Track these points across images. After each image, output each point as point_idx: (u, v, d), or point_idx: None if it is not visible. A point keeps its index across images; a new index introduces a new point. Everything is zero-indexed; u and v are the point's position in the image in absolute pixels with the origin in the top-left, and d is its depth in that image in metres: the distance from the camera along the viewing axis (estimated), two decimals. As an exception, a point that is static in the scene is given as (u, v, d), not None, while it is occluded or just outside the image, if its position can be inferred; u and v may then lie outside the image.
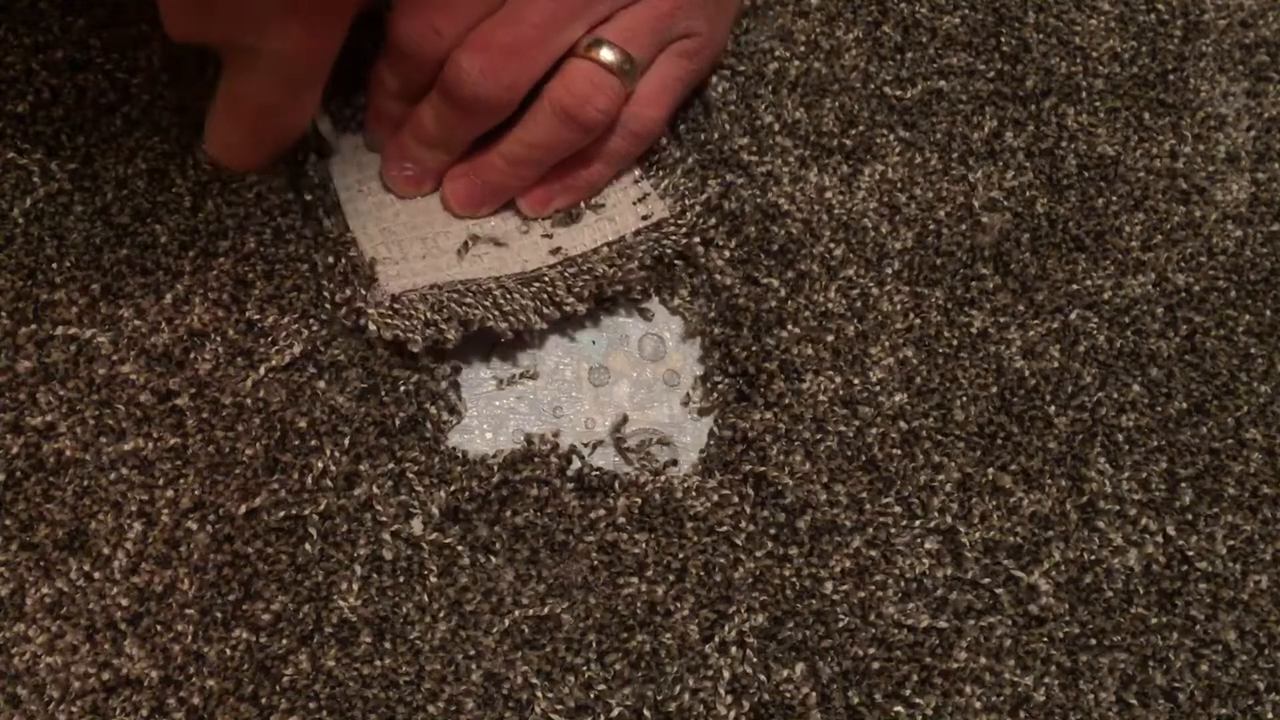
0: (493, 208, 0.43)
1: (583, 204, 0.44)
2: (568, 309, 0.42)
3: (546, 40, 0.39)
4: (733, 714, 0.39)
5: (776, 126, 0.46)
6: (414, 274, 0.42)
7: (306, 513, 0.39)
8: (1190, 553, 0.42)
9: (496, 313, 0.41)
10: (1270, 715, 0.41)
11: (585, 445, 0.42)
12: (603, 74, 0.40)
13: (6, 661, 0.37)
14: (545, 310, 0.42)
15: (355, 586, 0.39)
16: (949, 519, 0.41)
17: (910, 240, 0.45)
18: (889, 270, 0.44)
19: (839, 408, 0.42)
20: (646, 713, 0.38)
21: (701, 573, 0.40)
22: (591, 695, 0.38)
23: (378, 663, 0.38)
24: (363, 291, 0.41)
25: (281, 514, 0.39)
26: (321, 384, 0.41)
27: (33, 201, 0.41)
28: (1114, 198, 0.47)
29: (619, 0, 0.40)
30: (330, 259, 0.41)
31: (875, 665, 0.40)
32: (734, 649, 0.39)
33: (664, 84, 0.42)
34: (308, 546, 0.39)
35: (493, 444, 0.42)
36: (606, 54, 0.40)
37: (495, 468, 0.41)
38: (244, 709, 0.37)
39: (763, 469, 0.41)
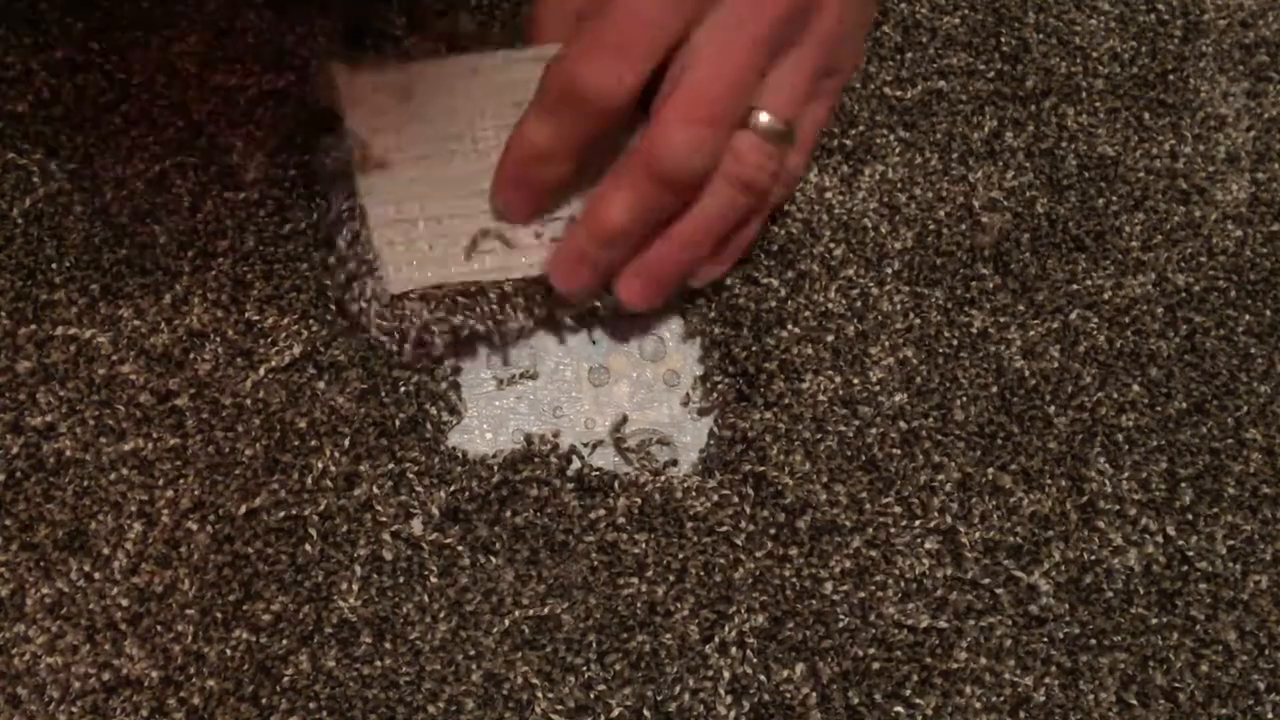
0: (670, 294, 0.42)
1: None
2: (559, 315, 0.42)
3: (736, 104, 0.38)
4: (733, 714, 0.39)
5: (776, 126, 0.46)
6: (419, 270, 0.41)
7: (306, 513, 0.39)
8: (1190, 553, 0.42)
9: (490, 322, 0.41)
10: (1270, 715, 0.41)
11: (585, 445, 0.42)
12: (770, 146, 0.39)
13: (6, 661, 0.37)
14: (537, 311, 0.42)
15: (355, 586, 0.39)
16: (949, 519, 0.41)
17: (910, 240, 0.45)
18: (889, 270, 0.44)
19: (839, 408, 0.42)
20: (646, 713, 0.39)
21: (701, 573, 0.40)
22: (591, 695, 0.38)
23: (378, 663, 0.38)
24: (356, 291, 0.41)
25: (281, 514, 0.39)
26: (321, 385, 0.41)
27: (33, 201, 0.41)
28: (1114, 198, 0.47)
29: (783, 48, 0.38)
30: (331, 259, 0.41)
31: (875, 665, 0.40)
32: (734, 649, 0.39)
33: (811, 131, 0.41)
34: (308, 547, 0.39)
35: (493, 444, 0.42)
36: (770, 123, 0.39)
37: (495, 468, 0.41)
38: (244, 709, 0.37)
39: (763, 469, 0.41)
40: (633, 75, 0.37)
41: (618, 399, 0.43)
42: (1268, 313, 0.46)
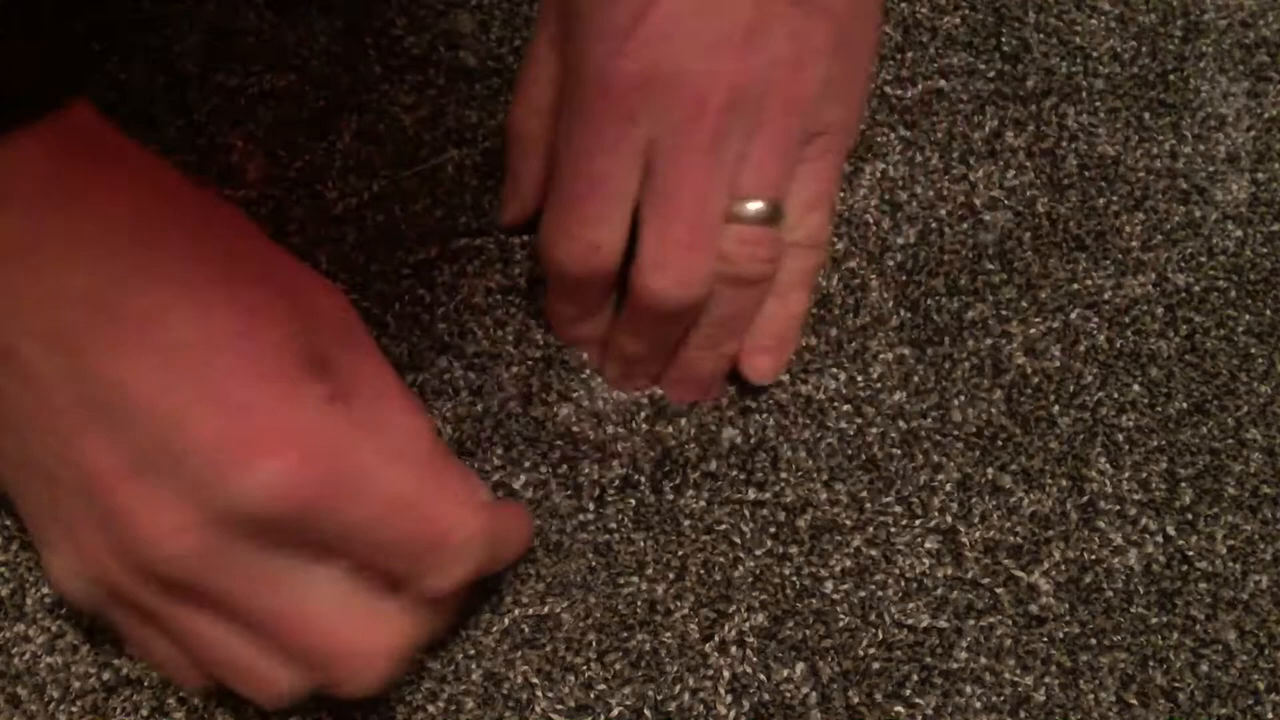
0: (721, 385, 0.42)
1: None
2: None
3: (709, 217, 0.37)
4: (733, 714, 0.39)
5: (776, 126, 0.46)
6: None
7: (306, 512, 0.39)
8: (1190, 553, 0.42)
9: None
10: (1270, 715, 0.40)
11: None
12: (753, 231, 0.38)
13: (6, 661, 0.37)
14: None
15: (355, 586, 0.39)
16: (949, 518, 0.41)
17: (912, 237, 0.45)
18: (890, 264, 0.44)
19: (840, 406, 0.42)
20: (646, 712, 0.38)
21: (701, 572, 0.40)
22: (591, 695, 0.38)
23: (377, 662, 0.38)
24: None
25: (281, 513, 0.39)
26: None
27: (33, 201, 0.41)
28: (1114, 198, 0.47)
29: (744, 131, 0.37)
30: None
31: (875, 665, 0.40)
32: (734, 649, 0.39)
33: (816, 192, 0.40)
34: (307, 546, 0.39)
35: (492, 444, 0.42)
36: (753, 210, 0.38)
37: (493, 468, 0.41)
38: (244, 709, 0.37)
39: (763, 467, 0.41)
40: (607, 233, 0.37)
41: (618, 398, 0.43)
42: (1268, 313, 0.46)
